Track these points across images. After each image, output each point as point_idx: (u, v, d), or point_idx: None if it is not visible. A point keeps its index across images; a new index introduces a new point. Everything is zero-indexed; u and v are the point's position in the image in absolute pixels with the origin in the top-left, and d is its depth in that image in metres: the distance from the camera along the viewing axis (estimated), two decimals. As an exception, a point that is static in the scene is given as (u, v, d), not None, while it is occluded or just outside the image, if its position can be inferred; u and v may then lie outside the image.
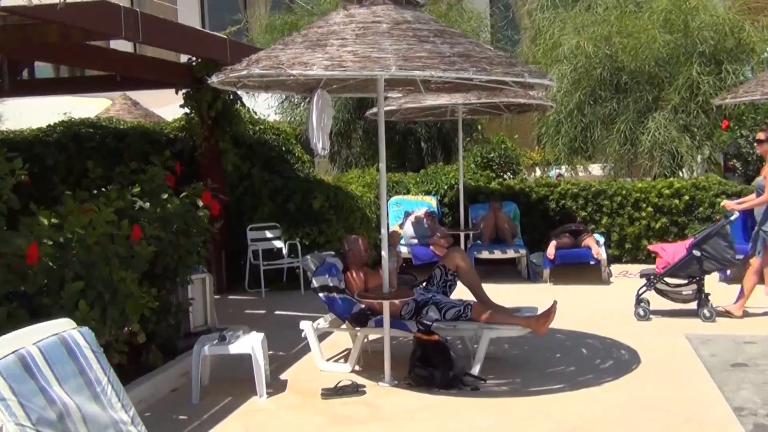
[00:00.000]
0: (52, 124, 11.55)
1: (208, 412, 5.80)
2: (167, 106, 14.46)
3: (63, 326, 3.70)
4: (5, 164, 4.80)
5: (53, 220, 5.20)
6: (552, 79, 6.13)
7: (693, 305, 8.27)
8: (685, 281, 8.30)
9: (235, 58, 7.15)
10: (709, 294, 8.22)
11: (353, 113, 15.07)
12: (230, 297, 10.08)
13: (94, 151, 10.81)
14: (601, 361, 6.85)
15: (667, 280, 8.38)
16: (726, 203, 9.17)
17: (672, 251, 8.52)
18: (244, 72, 5.35)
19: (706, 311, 8.06)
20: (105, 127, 11.21)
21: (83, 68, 11.31)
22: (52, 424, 3.19)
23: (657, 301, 8.43)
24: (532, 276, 10.73)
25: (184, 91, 9.68)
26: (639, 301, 8.29)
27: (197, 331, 7.30)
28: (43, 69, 17.58)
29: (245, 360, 6.21)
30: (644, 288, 8.35)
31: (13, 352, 3.28)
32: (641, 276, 8.59)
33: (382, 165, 6.30)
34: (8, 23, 5.89)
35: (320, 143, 6.30)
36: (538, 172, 16.58)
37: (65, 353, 3.52)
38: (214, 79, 5.81)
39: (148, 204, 6.59)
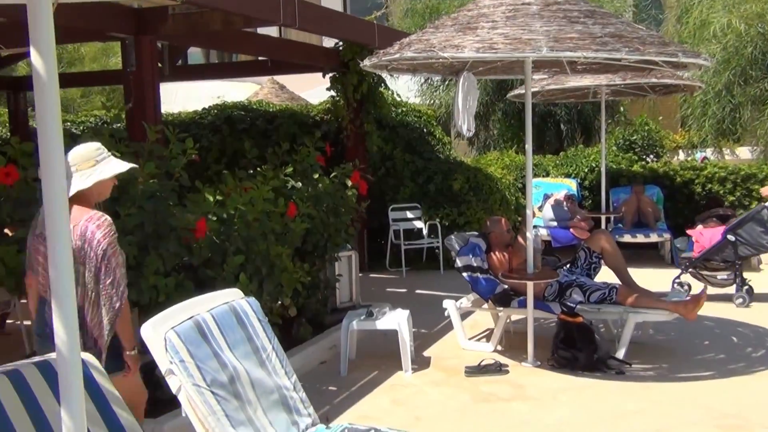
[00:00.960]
0: (206, 107, 12.16)
1: (356, 384, 6.03)
2: (312, 89, 14.91)
3: (233, 296, 3.98)
4: (178, 144, 5.15)
5: (218, 197, 5.53)
6: (707, 58, 5.94)
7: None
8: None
9: (383, 42, 7.32)
10: (748, 280, 8.12)
11: (492, 95, 15.03)
12: (371, 275, 10.35)
13: (245, 133, 11.32)
14: (753, 349, 6.62)
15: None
16: (764, 189, 8.91)
17: (709, 236, 8.33)
18: (397, 55, 5.49)
19: (740, 297, 7.94)
20: (255, 110, 11.70)
21: (239, 54, 11.81)
22: (223, 386, 3.44)
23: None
24: (676, 261, 10.41)
25: (330, 74, 9.98)
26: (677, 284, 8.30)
27: (343, 307, 7.58)
28: (195, 55, 18.50)
29: (390, 336, 6.40)
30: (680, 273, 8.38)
31: (190, 318, 3.55)
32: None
33: (529, 147, 6.31)
34: (176, 12, 6.29)
35: (465, 124, 6.38)
36: (682, 156, 15.99)
37: (235, 321, 3.78)
38: (366, 63, 5.99)
39: (300, 183, 6.89)
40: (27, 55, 13.84)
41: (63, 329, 1.91)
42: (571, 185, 11.76)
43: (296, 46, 9.62)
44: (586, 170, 12.09)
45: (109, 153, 3.90)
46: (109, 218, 3.78)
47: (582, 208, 11.44)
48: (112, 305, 3.78)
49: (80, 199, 3.76)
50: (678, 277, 8.39)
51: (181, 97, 14.87)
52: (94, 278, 3.75)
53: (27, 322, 7.07)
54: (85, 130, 12.99)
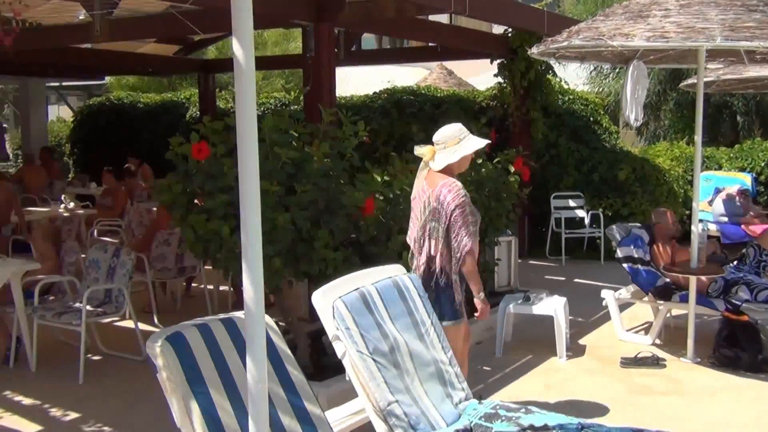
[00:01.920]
0: (377, 91, 12.56)
1: (510, 366, 6.17)
2: (479, 75, 15.02)
3: (396, 271, 4.23)
4: (350, 126, 5.47)
5: (386, 178, 5.82)
6: None
7: None
8: None
9: (552, 30, 7.33)
10: None
11: (664, 84, 14.53)
12: (530, 261, 10.39)
13: (413, 117, 11.62)
14: None
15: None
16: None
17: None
18: (565, 43, 5.54)
19: None
20: (423, 95, 11.97)
21: (411, 40, 12.12)
22: (384, 354, 3.70)
23: None
24: None
25: (498, 61, 10.06)
26: None
27: (500, 291, 7.71)
28: (368, 40, 19.04)
29: (546, 321, 6.48)
30: None
31: (356, 290, 3.83)
32: None
33: (698, 138, 6.17)
34: (353, 0, 6.62)
35: (633, 114, 6.31)
36: None
37: (397, 295, 4.03)
38: (534, 50, 6.06)
39: (463, 168, 7.05)
40: (216, 39, 14.83)
41: (251, 288, 2.21)
42: (746, 180, 11.22)
43: (466, 33, 9.78)
44: (762, 164, 11.50)
45: (469, 132, 4.64)
46: (460, 184, 4.52)
47: (756, 205, 10.90)
48: (454, 255, 4.45)
49: (444, 169, 4.54)
50: None
51: (354, 81, 15.40)
52: (444, 233, 4.46)
53: (210, 286, 7.72)
54: (266, 111, 13.78)
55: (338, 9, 6.82)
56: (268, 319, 3.54)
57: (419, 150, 4.71)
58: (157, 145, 14.94)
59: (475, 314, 4.58)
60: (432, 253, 4.55)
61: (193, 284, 8.45)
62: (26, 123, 16.18)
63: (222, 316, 3.31)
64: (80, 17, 9.67)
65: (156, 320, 7.14)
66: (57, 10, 9.05)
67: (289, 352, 3.49)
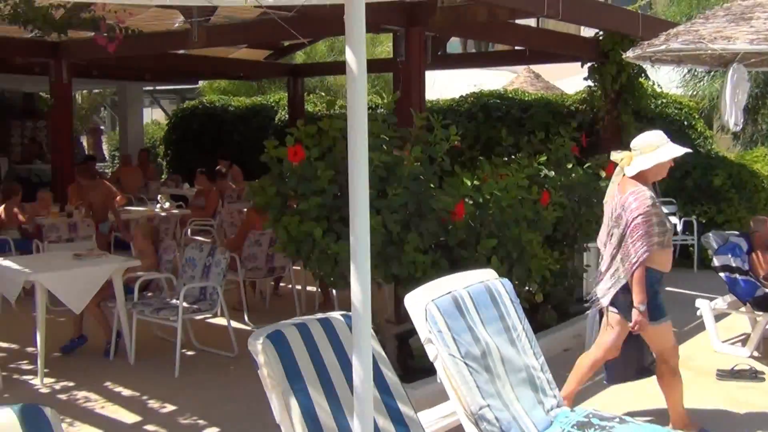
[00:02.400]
0: (463, 95, 12.54)
1: (599, 374, 6.06)
2: (567, 78, 14.81)
3: (487, 276, 4.23)
4: (441, 130, 5.50)
5: (475, 182, 5.82)
6: None
7: None
8: None
9: (646, 32, 7.20)
10: None
11: (763, 88, 14.02)
12: (619, 269, 10.16)
13: (500, 121, 11.55)
14: None
15: None
16: None
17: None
18: (663, 47, 5.44)
19: None
20: (510, 99, 11.89)
21: (500, 43, 12.06)
22: (476, 358, 3.70)
23: None
24: None
25: (588, 64, 9.92)
26: None
27: (589, 298, 7.59)
28: (453, 44, 19.03)
29: (637, 329, 6.33)
30: None
31: (448, 293, 3.85)
32: None
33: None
34: (445, 5, 6.65)
35: (733, 119, 6.15)
36: None
37: (489, 299, 4.03)
38: (630, 54, 5.96)
39: (553, 172, 6.99)
40: (306, 45, 15.09)
41: (359, 289, 2.27)
42: None
43: (555, 36, 9.68)
44: None
45: (668, 140, 4.58)
46: (649, 193, 4.48)
47: None
48: (629, 261, 4.46)
49: (637, 176, 4.51)
50: None
51: (439, 85, 15.42)
52: (620, 238, 4.51)
53: (298, 287, 7.86)
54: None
55: (430, 14, 6.87)
56: (361, 319, 3.60)
57: (616, 155, 4.71)
58: (246, 147, 15.33)
59: (630, 324, 4.58)
60: (613, 257, 4.60)
61: (281, 284, 8.62)
62: (124, 125, 16.80)
63: (319, 316, 3.38)
64: (176, 25, 10.02)
65: (246, 318, 7.32)
66: (156, 18, 9.39)
67: (383, 353, 3.54)
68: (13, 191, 8.98)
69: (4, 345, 6.69)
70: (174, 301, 6.23)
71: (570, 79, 14.12)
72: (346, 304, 7.66)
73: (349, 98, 2.26)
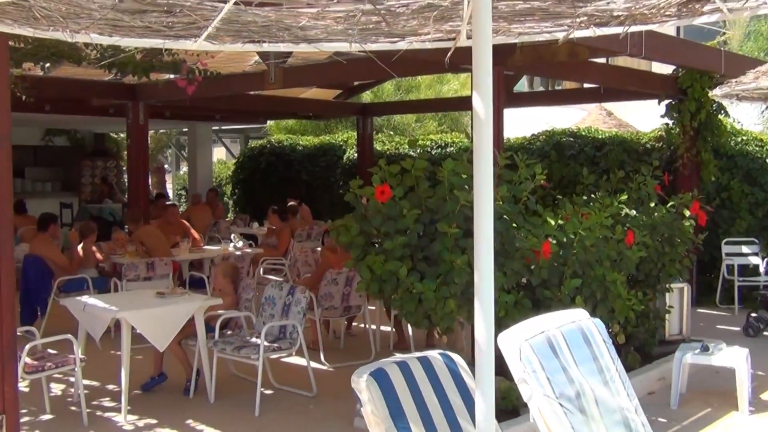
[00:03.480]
0: (535, 133, 12.47)
1: (687, 419, 5.88)
2: (638, 114, 14.64)
3: (579, 316, 4.13)
4: (525, 169, 5.46)
5: (559, 221, 5.75)
6: None
7: None
8: None
9: (729, 69, 7.07)
10: None
11: None
12: (699, 310, 9.90)
13: (573, 159, 11.43)
14: None
15: None
16: None
17: None
18: (752, 84, 5.32)
19: None
20: (584, 137, 11.77)
21: (580, 82, 12.00)
22: (570, 399, 3.60)
23: None
24: None
25: (666, 101, 9.78)
26: None
27: (672, 340, 7.39)
28: (518, 83, 19.07)
29: (723, 373, 6.15)
30: None
31: (541, 333, 3.77)
32: None
33: None
34: (524, 44, 6.63)
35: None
36: None
37: (582, 339, 3.93)
38: (717, 92, 5.85)
39: (634, 211, 6.87)
40: (375, 84, 15.26)
41: (483, 325, 2.25)
42: None
43: (633, 74, 9.59)
44: None
45: None
46: None
47: None
48: None
49: None
50: None
51: (506, 123, 15.37)
52: None
53: (373, 326, 7.84)
54: (420, 153, 13.98)
55: (509, 53, 6.86)
56: (458, 358, 3.56)
57: None
58: (314, 186, 15.50)
59: None
60: None
61: (353, 323, 8.60)
62: (193, 165, 17.16)
63: (417, 354, 3.35)
64: (249, 66, 10.24)
65: (323, 357, 7.31)
66: (231, 59, 9.61)
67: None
68: (90, 230, 9.19)
69: (87, 382, 6.80)
70: (254, 339, 6.26)
71: (642, 115, 13.96)
72: (420, 344, 7.62)
73: (476, 140, 2.28)
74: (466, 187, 5.37)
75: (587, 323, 4.06)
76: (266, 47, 3.09)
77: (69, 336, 5.76)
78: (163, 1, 2.58)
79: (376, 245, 5.58)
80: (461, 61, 6.86)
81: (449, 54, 3.37)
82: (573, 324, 4.00)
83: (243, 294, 6.72)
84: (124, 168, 19.45)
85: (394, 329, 7.95)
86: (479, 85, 2.26)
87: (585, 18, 3.02)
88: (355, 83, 13.41)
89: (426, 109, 17.59)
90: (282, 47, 3.10)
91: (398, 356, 3.27)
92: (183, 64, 7.76)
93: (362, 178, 14.66)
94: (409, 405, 3.03)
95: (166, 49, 7.67)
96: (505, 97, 8.44)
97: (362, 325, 8.74)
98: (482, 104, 2.23)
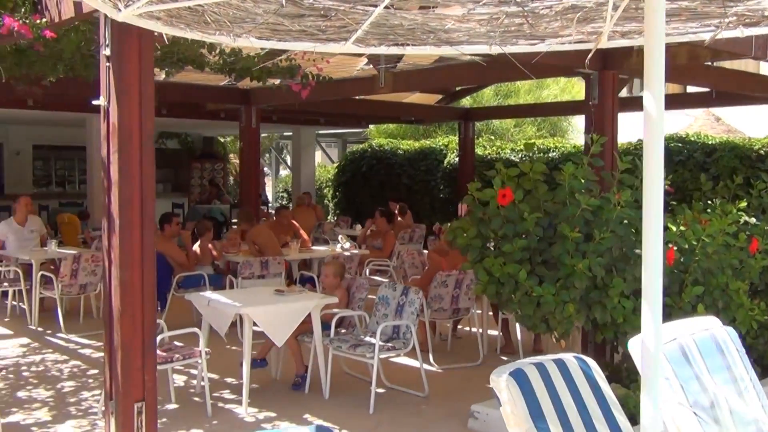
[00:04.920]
0: (641, 138, 12.22)
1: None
2: (750, 120, 14.16)
3: (711, 323, 4.07)
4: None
5: (681, 228, 5.64)
6: None
7: None
8: None
9: None
10: None
11: None
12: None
13: (682, 165, 11.17)
14: None
15: None
16: None
17: None
18: None
19: None
20: (693, 142, 11.49)
21: (697, 86, 11.70)
22: (705, 409, 3.55)
23: None
24: None
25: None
26: None
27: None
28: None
29: None
30: None
31: (673, 340, 3.73)
32: None
33: None
34: (641, 47, 6.53)
35: None
36: None
37: (715, 348, 3.87)
38: None
39: (753, 218, 6.67)
40: (474, 90, 15.27)
41: (652, 326, 2.29)
42: None
43: (754, 79, 9.29)
44: None
45: None
46: None
47: None
48: None
49: None
50: None
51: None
52: None
53: (478, 329, 7.85)
54: (523, 158, 13.91)
55: (625, 57, 6.79)
56: (591, 362, 3.55)
57: None
58: (414, 189, 15.62)
59: None
60: None
61: (458, 326, 8.63)
62: (297, 168, 17.54)
63: (552, 356, 3.36)
64: (356, 71, 10.41)
65: (432, 359, 7.37)
66: (342, 65, 9.80)
67: (614, 396, 3.47)
68: (206, 228, 9.53)
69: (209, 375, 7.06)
70: (368, 338, 6.37)
71: (754, 120, 13.50)
72: (527, 348, 7.58)
73: (646, 140, 2.30)
74: (592, 190, 5.37)
75: (720, 331, 3.99)
76: (409, 50, 3.17)
77: (195, 329, 6.00)
78: (320, 5, 2.69)
79: (492, 248, 5.61)
80: (575, 65, 6.83)
81: (589, 56, 3.38)
82: (706, 332, 3.94)
83: (357, 293, 6.85)
84: (230, 170, 20.06)
85: (501, 333, 7.95)
86: (651, 85, 2.28)
87: (734, 18, 2.98)
88: (457, 88, 13.46)
89: (530, 114, 17.50)
90: (425, 50, 3.18)
91: (534, 358, 3.29)
92: (299, 69, 7.97)
93: (462, 182, 14.70)
94: (547, 406, 3.05)
95: (283, 54, 7.92)
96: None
97: (466, 328, 8.77)
98: (654, 104, 2.25)
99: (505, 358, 7.83)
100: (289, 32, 2.76)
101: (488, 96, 19.04)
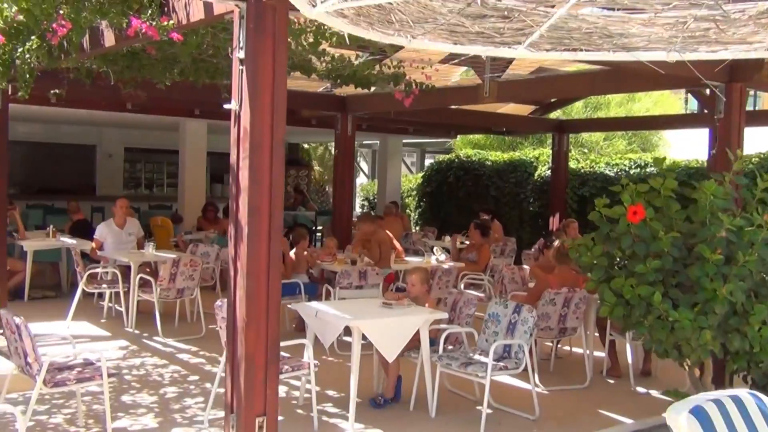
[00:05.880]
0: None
1: None
2: None
3: None
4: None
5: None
6: None
7: None
8: None
9: None
10: None
11: None
12: None
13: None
14: None
15: None
16: None
17: None
18: None
19: None
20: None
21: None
22: None
23: None
24: None
25: None
26: None
27: None
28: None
29: None
30: None
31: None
32: None
33: None
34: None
35: None
36: None
37: None
38: None
39: None
40: (570, 101, 14.92)
41: None
42: None
43: None
44: None
45: None
46: None
47: None
48: None
49: None
50: None
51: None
52: None
53: (587, 351, 7.53)
54: (618, 173, 13.48)
55: (756, 69, 6.42)
56: (766, 399, 3.26)
57: None
58: (503, 201, 15.31)
59: None
60: None
61: (559, 345, 8.31)
62: (383, 176, 17.42)
63: (728, 392, 3.09)
64: (452, 81, 10.21)
65: (536, 379, 7.09)
66: (441, 74, 9.61)
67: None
68: (301, 236, 9.44)
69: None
70: (477, 356, 6.14)
71: None
72: (635, 371, 7.18)
73: None
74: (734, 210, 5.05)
75: None
76: (581, 56, 2.95)
77: (305, 340, 5.87)
78: (503, 5, 2.51)
79: (618, 267, 5.33)
80: (703, 76, 6.48)
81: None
82: None
83: (464, 309, 6.62)
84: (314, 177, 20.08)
85: (607, 354, 7.61)
86: None
87: None
88: (553, 100, 13.14)
89: (630, 127, 16.89)
90: (598, 56, 2.96)
91: (709, 394, 3.02)
92: (404, 77, 7.82)
93: (554, 196, 14.29)
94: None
95: (389, 61, 7.78)
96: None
97: (566, 347, 8.45)
98: None
99: (611, 381, 7.50)
100: (465, 35, 2.58)
101: (578, 109, 18.60)
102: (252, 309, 4.15)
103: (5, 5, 4.36)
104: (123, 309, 9.16)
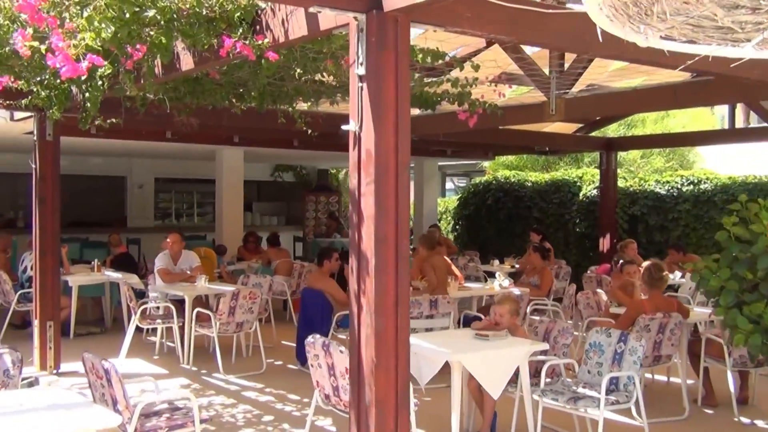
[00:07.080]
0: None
1: None
2: None
3: None
4: None
5: None
6: None
7: None
8: None
9: None
10: None
11: None
12: None
13: None
14: None
15: None
16: None
17: None
18: None
19: None
20: None
21: None
22: None
23: None
24: None
25: None
26: None
27: None
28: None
29: None
30: None
31: None
32: None
33: None
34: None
35: None
36: None
37: None
38: None
39: None
40: (618, 118, 14.54)
41: None
42: None
43: None
44: None
45: None
46: None
47: None
48: None
49: None
50: None
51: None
52: None
53: (684, 380, 7.10)
54: (670, 190, 13.09)
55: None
56: None
57: None
58: (547, 223, 14.91)
59: None
60: None
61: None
62: (419, 200, 17.03)
63: None
64: (501, 101, 9.83)
65: (634, 411, 6.65)
66: (492, 93, 9.24)
67: None
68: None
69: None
70: (581, 389, 5.73)
71: None
72: (724, 398, 6.74)
73: None
74: None
75: None
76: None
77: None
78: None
79: (749, 291, 4.93)
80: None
81: None
82: None
83: (560, 339, 6.21)
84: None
85: (702, 383, 7.18)
86: None
87: None
88: (598, 117, 12.77)
89: (681, 143, 16.44)
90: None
91: None
92: (469, 96, 7.46)
93: (604, 216, 13.82)
94: None
95: (454, 81, 7.43)
96: None
97: (648, 375, 8.02)
98: None
99: (709, 411, 7.06)
100: (703, 29, 2.21)
101: (613, 127, 18.25)
102: (381, 349, 3.76)
103: (102, 25, 4.03)
104: (177, 344, 8.77)
